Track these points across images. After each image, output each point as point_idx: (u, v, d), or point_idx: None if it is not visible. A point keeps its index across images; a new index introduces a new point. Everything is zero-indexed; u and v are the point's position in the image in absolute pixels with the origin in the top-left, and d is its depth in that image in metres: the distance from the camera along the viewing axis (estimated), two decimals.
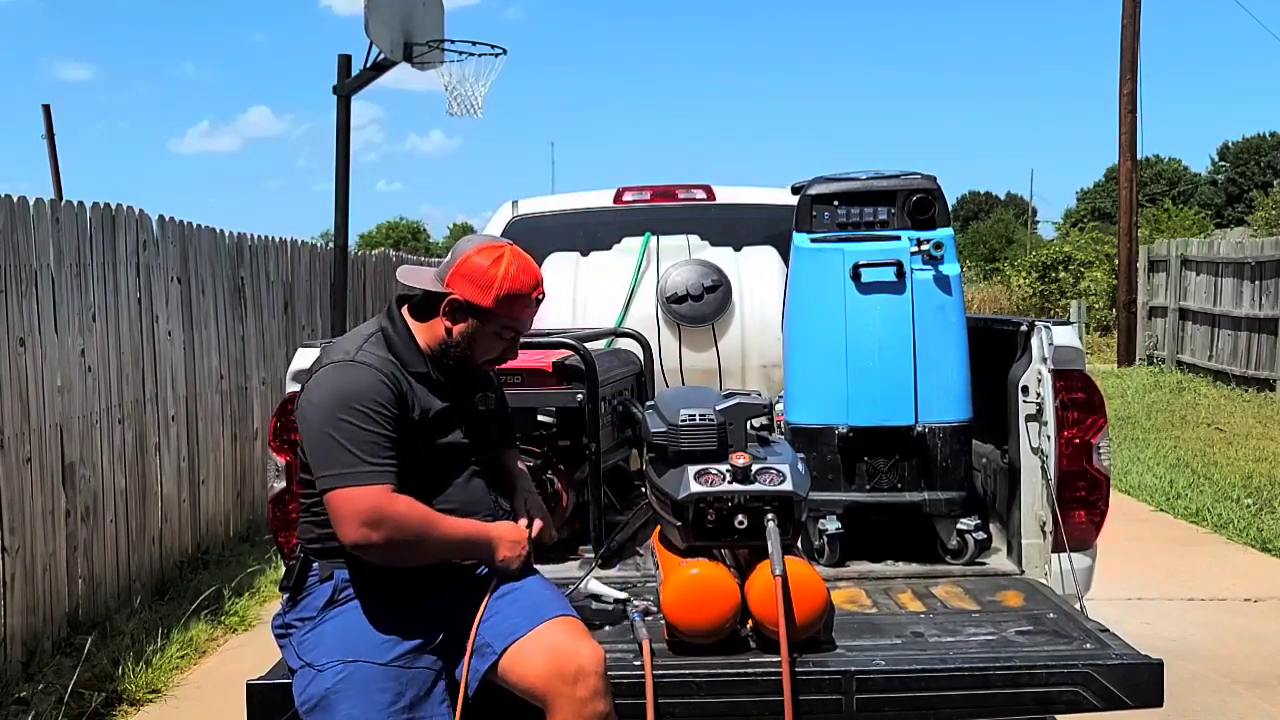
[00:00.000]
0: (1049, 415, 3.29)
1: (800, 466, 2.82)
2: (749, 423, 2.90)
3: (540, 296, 2.68)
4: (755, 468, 2.72)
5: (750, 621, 2.68)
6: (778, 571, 2.58)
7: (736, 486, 2.70)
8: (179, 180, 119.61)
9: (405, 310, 2.71)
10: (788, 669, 2.53)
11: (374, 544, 2.44)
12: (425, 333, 2.67)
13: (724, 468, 2.73)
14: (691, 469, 2.74)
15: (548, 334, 3.67)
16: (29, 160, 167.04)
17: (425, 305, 2.68)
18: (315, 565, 2.59)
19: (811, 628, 2.67)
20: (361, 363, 2.53)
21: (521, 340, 2.78)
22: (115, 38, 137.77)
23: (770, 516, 2.68)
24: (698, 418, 2.80)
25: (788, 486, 2.70)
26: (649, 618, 2.81)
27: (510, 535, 2.67)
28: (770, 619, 2.59)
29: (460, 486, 2.67)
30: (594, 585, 3.02)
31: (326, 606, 2.54)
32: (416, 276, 2.70)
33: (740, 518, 2.70)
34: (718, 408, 2.85)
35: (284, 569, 2.62)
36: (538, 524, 2.77)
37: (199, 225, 6.90)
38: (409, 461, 2.53)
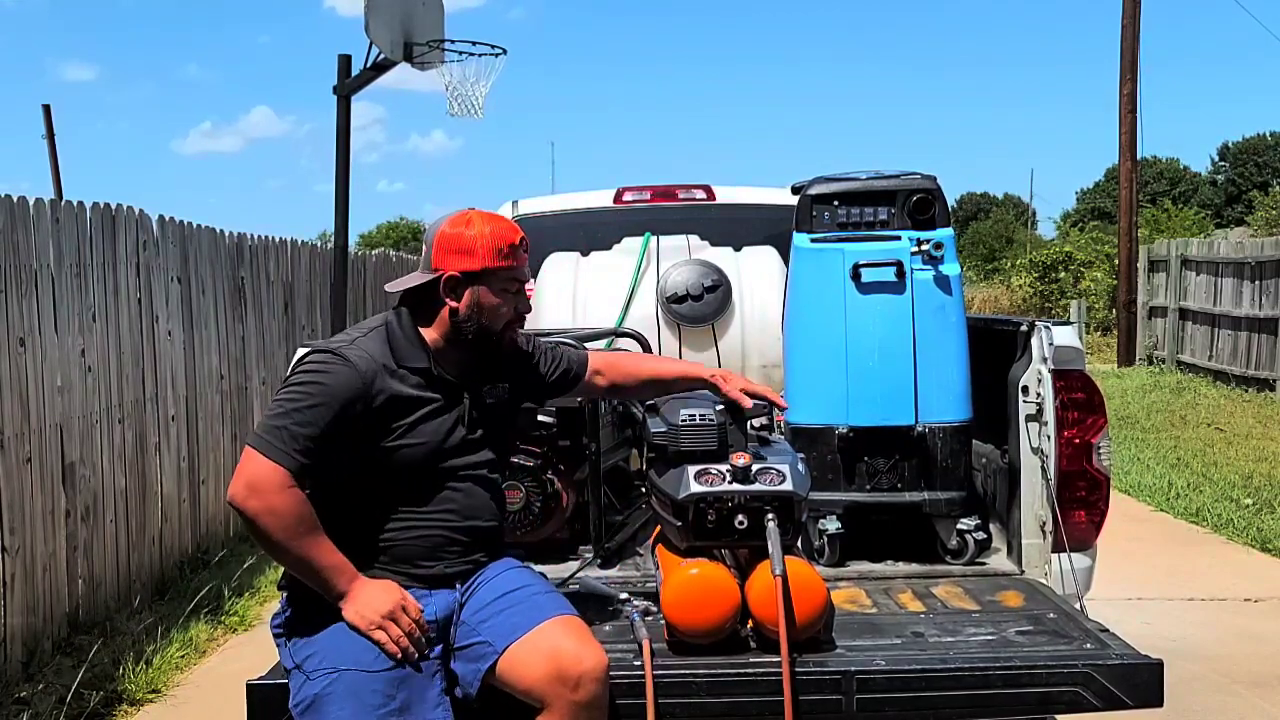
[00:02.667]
0: (1049, 415, 3.29)
1: (800, 466, 2.82)
2: (749, 423, 2.90)
3: (524, 239, 2.69)
4: (755, 468, 2.71)
5: (750, 621, 2.68)
6: (778, 571, 2.58)
7: (736, 486, 2.70)
8: (180, 180, 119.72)
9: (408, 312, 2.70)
10: (788, 669, 2.53)
11: (246, 511, 2.44)
12: (435, 328, 2.66)
13: (724, 468, 2.73)
14: (691, 469, 2.74)
15: (548, 334, 3.67)
16: (29, 160, 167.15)
17: (424, 301, 2.67)
18: None
19: (811, 628, 2.67)
20: (344, 355, 2.53)
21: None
22: (118, 38, 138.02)
23: (770, 516, 2.67)
24: (698, 418, 2.80)
25: (788, 486, 2.70)
26: (649, 618, 2.81)
27: (377, 601, 2.48)
28: (770, 619, 2.59)
29: (459, 489, 2.65)
30: (593, 585, 3.02)
31: (322, 607, 2.54)
32: (404, 281, 2.71)
33: (740, 518, 2.69)
34: (718, 408, 2.85)
35: (282, 569, 2.62)
36: (414, 609, 2.53)
37: (199, 225, 6.90)
38: (370, 461, 2.53)
